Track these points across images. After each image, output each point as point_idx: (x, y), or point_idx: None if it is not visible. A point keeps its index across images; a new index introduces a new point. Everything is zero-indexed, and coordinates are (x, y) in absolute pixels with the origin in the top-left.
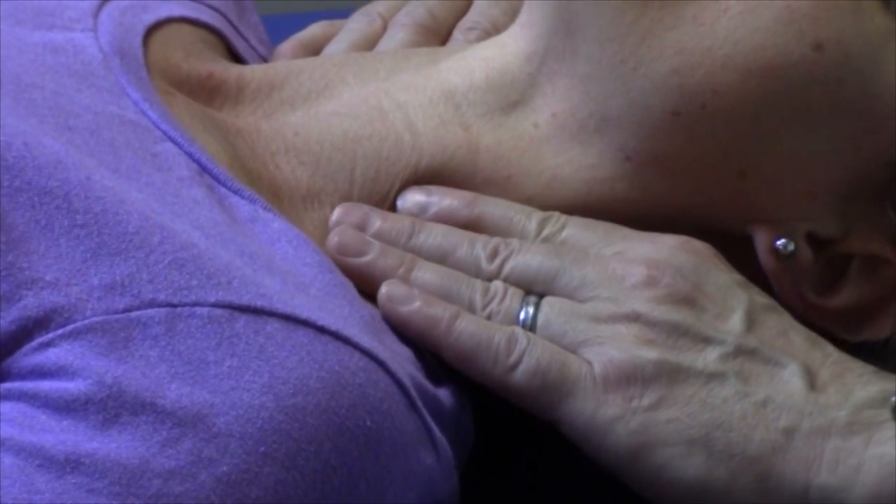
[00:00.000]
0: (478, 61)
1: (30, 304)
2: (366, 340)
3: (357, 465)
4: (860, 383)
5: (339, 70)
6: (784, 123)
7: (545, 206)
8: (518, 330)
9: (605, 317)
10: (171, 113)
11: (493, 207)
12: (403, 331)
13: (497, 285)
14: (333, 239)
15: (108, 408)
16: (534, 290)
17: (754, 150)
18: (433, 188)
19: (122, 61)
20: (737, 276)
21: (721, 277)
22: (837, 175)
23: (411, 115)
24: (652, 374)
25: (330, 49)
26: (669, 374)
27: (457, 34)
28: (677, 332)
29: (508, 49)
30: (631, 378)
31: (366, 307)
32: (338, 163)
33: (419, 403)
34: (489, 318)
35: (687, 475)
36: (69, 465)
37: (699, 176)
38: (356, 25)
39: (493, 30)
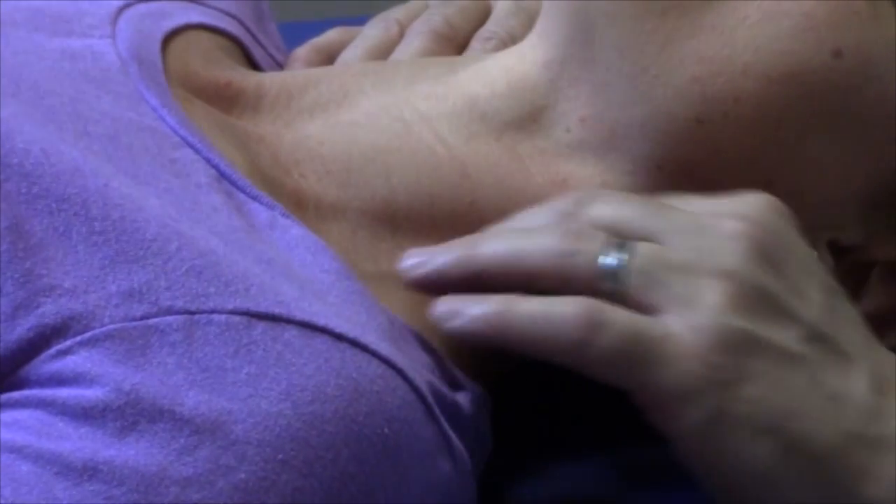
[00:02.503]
0: (498, 70)
1: (48, 311)
2: (383, 347)
3: (374, 473)
4: None
5: (357, 80)
6: (806, 131)
7: None
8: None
9: (696, 269)
10: (190, 119)
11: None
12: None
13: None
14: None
15: (126, 415)
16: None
17: (778, 158)
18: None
19: (141, 67)
20: (811, 249)
21: (801, 246)
22: (859, 183)
23: (436, 126)
24: (737, 343)
25: (346, 55)
26: (751, 346)
27: (474, 43)
28: (765, 300)
29: (527, 58)
30: (716, 348)
31: (384, 314)
32: (372, 171)
33: (437, 411)
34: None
35: (752, 462)
36: (87, 472)
37: (727, 185)
38: (373, 32)
39: (511, 40)
